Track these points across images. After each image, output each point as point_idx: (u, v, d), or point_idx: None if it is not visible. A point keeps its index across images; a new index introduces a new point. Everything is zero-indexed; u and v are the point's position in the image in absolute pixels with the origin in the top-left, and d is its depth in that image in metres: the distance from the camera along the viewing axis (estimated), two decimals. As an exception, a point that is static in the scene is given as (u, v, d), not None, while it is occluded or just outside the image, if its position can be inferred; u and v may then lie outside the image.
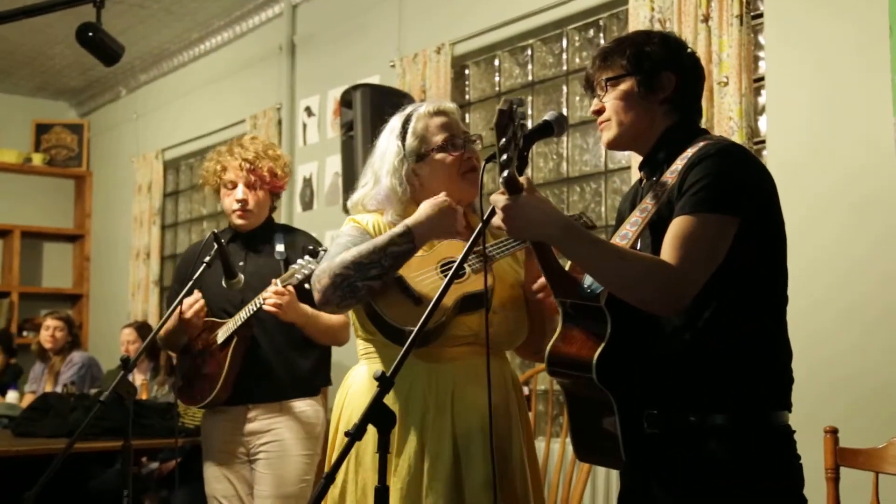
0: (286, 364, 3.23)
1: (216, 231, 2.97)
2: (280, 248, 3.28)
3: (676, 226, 1.83)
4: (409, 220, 2.29)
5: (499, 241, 2.33)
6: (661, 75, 1.99)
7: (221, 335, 3.18)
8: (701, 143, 1.92)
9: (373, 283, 2.23)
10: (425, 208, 2.30)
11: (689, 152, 1.91)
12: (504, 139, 1.75)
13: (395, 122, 2.46)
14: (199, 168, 3.44)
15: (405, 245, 2.25)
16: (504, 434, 2.30)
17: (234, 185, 3.26)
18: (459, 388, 2.29)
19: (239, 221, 3.30)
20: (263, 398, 3.21)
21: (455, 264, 1.88)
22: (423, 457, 2.27)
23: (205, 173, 3.35)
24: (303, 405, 3.25)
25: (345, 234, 2.40)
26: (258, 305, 3.05)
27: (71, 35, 4.44)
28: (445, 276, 2.29)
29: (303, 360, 3.26)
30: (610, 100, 2.01)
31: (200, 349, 3.25)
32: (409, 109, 2.47)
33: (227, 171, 3.26)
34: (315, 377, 3.32)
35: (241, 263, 3.26)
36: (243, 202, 3.25)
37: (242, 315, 3.12)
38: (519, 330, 2.39)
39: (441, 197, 2.31)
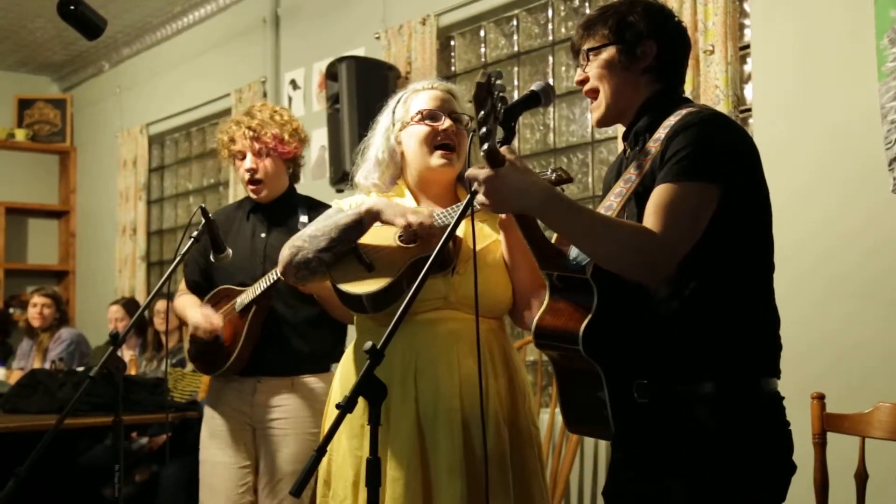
0: (301, 338, 3.18)
1: (203, 205, 2.94)
2: (304, 219, 3.20)
3: (659, 194, 1.83)
4: (366, 203, 2.33)
5: (455, 205, 2.33)
6: (643, 44, 1.98)
7: (240, 303, 3.14)
8: (683, 112, 1.92)
9: (322, 254, 2.29)
10: (388, 203, 2.33)
11: (672, 121, 1.91)
12: (483, 112, 1.74)
13: (397, 95, 2.50)
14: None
15: (352, 219, 2.29)
16: (473, 405, 2.23)
17: (244, 156, 3.22)
18: (424, 353, 2.28)
19: (252, 192, 3.27)
20: (275, 371, 3.16)
21: (437, 246, 1.87)
22: (388, 427, 2.25)
23: (219, 144, 3.31)
24: (313, 381, 3.19)
25: (322, 215, 2.44)
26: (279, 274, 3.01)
27: (52, 8, 4.37)
28: (402, 242, 2.31)
29: (317, 336, 3.21)
30: (593, 69, 2.01)
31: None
32: (413, 84, 2.52)
33: (234, 141, 3.21)
34: (328, 354, 3.26)
35: (262, 235, 3.23)
36: (252, 171, 3.20)
37: (263, 283, 3.06)
38: (494, 291, 2.35)
39: (415, 212, 2.31)
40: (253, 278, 3.15)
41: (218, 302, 3.23)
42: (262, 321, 3.13)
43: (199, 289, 3.32)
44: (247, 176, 3.22)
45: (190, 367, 4.89)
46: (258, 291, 3.08)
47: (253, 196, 3.27)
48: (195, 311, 3.18)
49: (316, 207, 3.28)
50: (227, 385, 3.23)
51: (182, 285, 3.42)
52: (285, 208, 3.28)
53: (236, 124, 3.23)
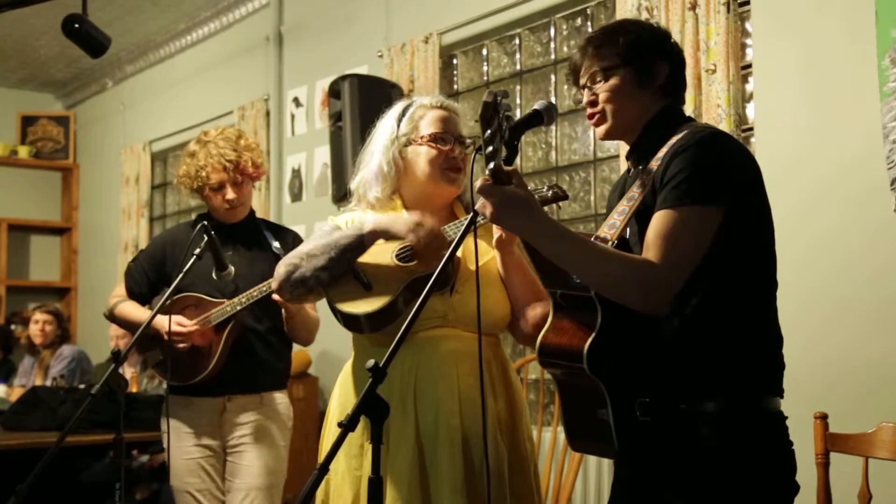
0: (272, 355, 3.25)
1: (206, 223, 2.94)
2: (276, 244, 3.27)
3: (658, 221, 1.83)
4: (368, 222, 2.31)
5: (457, 221, 2.34)
6: (656, 64, 1.99)
7: (218, 315, 3.14)
8: (685, 131, 1.92)
9: (320, 273, 2.27)
10: (391, 217, 2.32)
11: (674, 140, 1.91)
12: (489, 131, 1.75)
13: (397, 106, 2.49)
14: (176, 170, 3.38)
15: (353, 239, 2.28)
16: (473, 423, 2.23)
17: (221, 186, 3.24)
18: (423, 372, 2.27)
19: (231, 219, 3.30)
20: (245, 388, 3.20)
21: (441, 261, 1.86)
22: (387, 446, 2.23)
23: (185, 178, 3.27)
24: (280, 397, 3.29)
25: (318, 230, 2.43)
26: (265, 292, 3.03)
27: (57, 26, 4.39)
28: (399, 261, 2.31)
29: (285, 353, 3.32)
30: (604, 90, 2.01)
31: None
32: (414, 98, 2.51)
33: (210, 176, 3.21)
34: (287, 370, 3.37)
35: (229, 253, 3.22)
36: (233, 200, 3.24)
37: (244, 299, 3.09)
38: (492, 308, 2.33)
39: (416, 216, 2.30)
40: (220, 291, 3.17)
41: (185, 308, 3.22)
42: (237, 335, 3.17)
43: (140, 300, 3.33)
44: (227, 206, 3.25)
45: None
46: (238, 307, 3.11)
47: (232, 219, 3.31)
48: (164, 320, 3.11)
49: (280, 230, 3.40)
50: (192, 409, 3.22)
51: (119, 290, 3.39)
52: (248, 227, 3.34)
53: (208, 156, 3.21)
